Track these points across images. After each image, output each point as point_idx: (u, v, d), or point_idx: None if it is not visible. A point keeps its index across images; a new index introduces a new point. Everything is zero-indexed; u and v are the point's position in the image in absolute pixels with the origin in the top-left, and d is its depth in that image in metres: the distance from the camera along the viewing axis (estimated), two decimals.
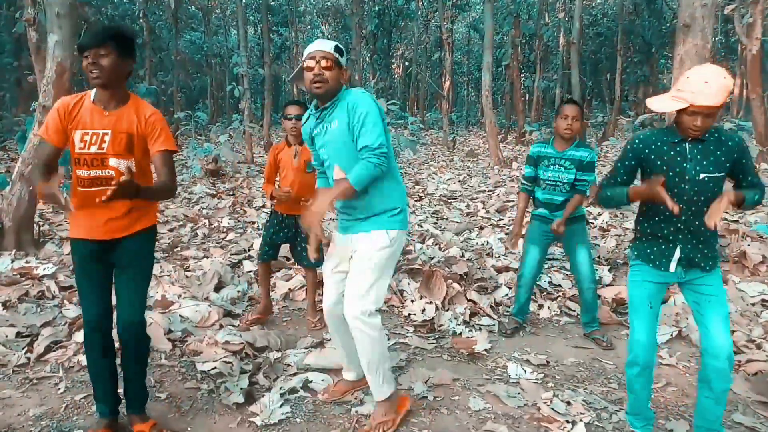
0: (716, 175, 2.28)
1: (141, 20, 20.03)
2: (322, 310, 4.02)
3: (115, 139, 2.35)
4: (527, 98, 27.37)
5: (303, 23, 33.45)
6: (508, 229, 6.70)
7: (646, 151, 2.37)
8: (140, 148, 2.41)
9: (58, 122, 2.35)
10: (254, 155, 14.07)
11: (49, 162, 2.37)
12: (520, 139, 18.35)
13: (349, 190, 2.36)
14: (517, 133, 18.79)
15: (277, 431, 2.68)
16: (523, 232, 4.10)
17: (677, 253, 2.36)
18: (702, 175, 2.28)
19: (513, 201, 8.68)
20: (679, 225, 2.33)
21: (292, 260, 4.44)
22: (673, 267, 2.38)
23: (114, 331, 2.54)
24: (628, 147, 2.44)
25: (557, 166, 3.52)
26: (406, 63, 33.80)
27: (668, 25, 26.66)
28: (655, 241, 2.42)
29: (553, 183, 3.55)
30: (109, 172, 2.37)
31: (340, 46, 2.49)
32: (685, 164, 2.30)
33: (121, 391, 2.65)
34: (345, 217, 2.64)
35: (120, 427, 2.63)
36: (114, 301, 2.53)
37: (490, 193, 9.72)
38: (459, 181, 11.22)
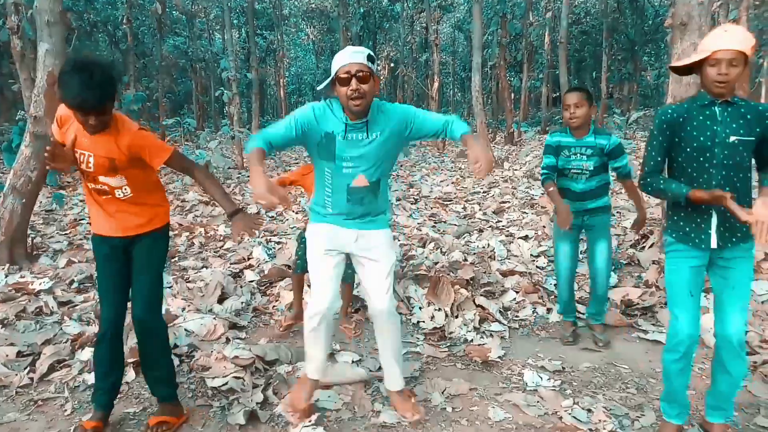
0: (746, 138, 2.26)
1: (125, 26, 19.79)
2: (353, 317, 4.03)
3: (98, 161, 2.46)
4: (513, 98, 27.49)
5: (288, 26, 33.28)
6: (508, 230, 6.67)
7: (680, 119, 2.35)
8: (129, 165, 2.50)
9: (57, 131, 2.51)
10: (244, 160, 13.93)
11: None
12: (509, 139, 18.38)
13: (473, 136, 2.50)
14: (506, 133, 18.82)
15: None
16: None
17: (714, 222, 2.32)
18: (732, 138, 2.26)
19: (509, 202, 8.67)
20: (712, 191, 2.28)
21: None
22: (714, 242, 2.33)
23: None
24: (658, 122, 2.40)
25: (578, 155, 3.46)
26: (392, 64, 33.80)
27: (650, 22, 26.95)
28: (691, 215, 2.38)
29: (578, 172, 3.48)
30: (104, 187, 2.54)
31: (372, 53, 2.41)
32: (715, 126, 2.28)
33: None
34: (349, 214, 2.60)
35: (109, 420, 2.74)
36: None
37: (484, 194, 9.69)
38: (452, 183, 11.20)
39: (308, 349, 2.73)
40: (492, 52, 20.72)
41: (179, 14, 26.97)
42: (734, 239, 2.33)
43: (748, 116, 2.26)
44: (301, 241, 3.82)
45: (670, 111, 2.38)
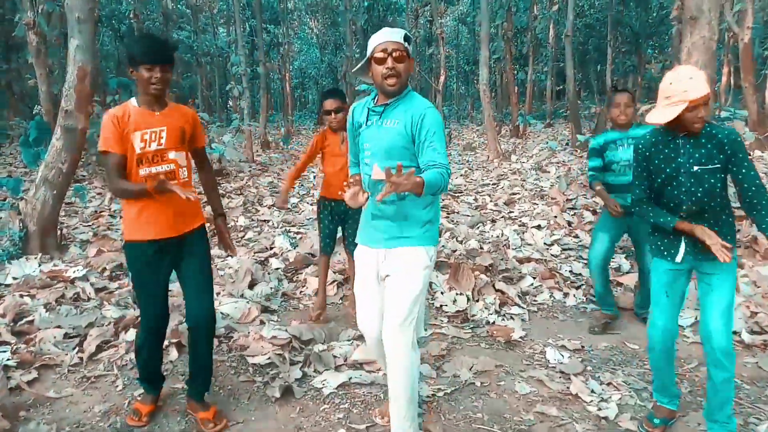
0: (709, 166, 2.40)
1: (131, 20, 19.93)
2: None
3: (171, 133, 2.59)
4: (517, 91, 27.57)
5: (292, 20, 33.34)
6: (520, 221, 6.85)
7: (648, 152, 2.55)
8: (186, 141, 2.69)
9: (117, 131, 2.51)
10: (254, 154, 14.11)
11: (121, 170, 2.54)
12: (515, 132, 18.51)
13: (418, 186, 1.99)
14: (511, 126, 18.95)
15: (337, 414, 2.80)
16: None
17: (683, 245, 2.51)
18: (696, 167, 2.42)
19: (518, 194, 8.84)
20: (681, 216, 2.47)
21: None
22: (679, 258, 2.52)
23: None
24: (637, 152, 2.60)
25: (625, 145, 3.60)
26: None
27: (654, 14, 26.97)
28: (664, 234, 2.57)
29: (627, 164, 3.58)
30: (170, 167, 2.61)
31: (409, 33, 2.33)
32: (679, 158, 2.45)
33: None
34: (376, 229, 2.42)
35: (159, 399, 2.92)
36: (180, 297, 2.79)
37: (494, 186, 9.86)
38: (462, 175, 11.35)
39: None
40: (497, 45, 20.81)
41: (185, 8, 27.06)
42: (707, 258, 2.46)
43: (709, 145, 2.40)
44: (321, 219, 3.98)
45: (643, 142, 2.58)
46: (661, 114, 2.36)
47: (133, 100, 2.59)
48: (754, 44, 14.99)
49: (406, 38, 2.30)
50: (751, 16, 12.31)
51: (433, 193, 2.13)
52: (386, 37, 2.27)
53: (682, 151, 2.45)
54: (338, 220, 3.95)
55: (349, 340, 3.63)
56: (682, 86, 2.30)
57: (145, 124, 2.54)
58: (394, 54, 2.25)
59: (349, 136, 2.61)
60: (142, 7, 22.38)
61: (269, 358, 3.25)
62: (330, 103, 3.77)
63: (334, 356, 3.39)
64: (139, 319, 2.75)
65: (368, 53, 2.31)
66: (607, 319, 3.87)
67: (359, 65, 2.40)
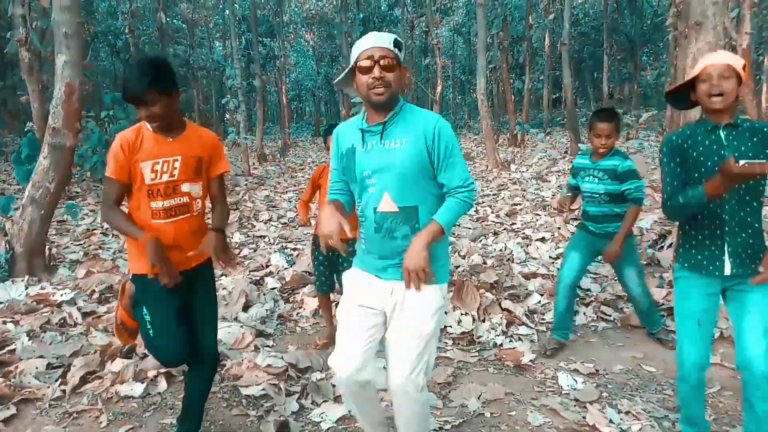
0: (756, 161, 2.17)
1: (126, 35, 19.84)
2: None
3: (185, 163, 2.35)
4: (514, 100, 27.52)
5: (288, 33, 33.34)
6: (523, 233, 6.67)
7: (684, 145, 2.30)
8: (205, 170, 2.45)
9: (123, 159, 2.29)
10: (251, 167, 13.95)
11: (120, 199, 2.36)
12: (513, 141, 18.39)
13: (439, 234, 1.95)
14: (509, 135, 18.84)
15: None
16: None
17: (727, 248, 2.25)
18: (742, 162, 2.16)
19: (520, 204, 8.67)
20: (724, 216, 2.24)
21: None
22: (728, 268, 2.25)
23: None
24: (665, 151, 2.34)
25: (591, 177, 3.47)
26: None
27: (649, 22, 27.01)
28: (703, 243, 2.32)
29: (590, 195, 3.49)
30: (183, 199, 2.38)
31: (399, 39, 2.02)
32: (722, 151, 2.23)
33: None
34: (382, 254, 2.10)
35: None
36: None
37: (494, 197, 9.69)
38: None
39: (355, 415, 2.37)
40: (494, 54, 20.75)
41: (181, 23, 27.03)
42: (748, 265, 2.25)
43: (755, 138, 2.21)
44: (315, 256, 3.73)
45: (674, 138, 2.34)
46: (674, 86, 2.28)
47: (147, 123, 2.33)
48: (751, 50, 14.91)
49: (396, 44, 2.00)
50: (748, 21, 12.24)
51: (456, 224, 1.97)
52: (372, 42, 1.97)
53: (725, 143, 2.22)
54: (334, 257, 3.65)
55: None
56: (702, 60, 2.16)
57: (158, 152, 2.30)
58: (381, 62, 1.95)
59: (335, 161, 2.22)
60: (137, 23, 22.33)
61: (263, 389, 3.04)
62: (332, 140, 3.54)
63: (333, 385, 3.19)
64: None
65: (352, 61, 2.02)
66: (555, 345, 3.62)
67: (342, 75, 2.11)
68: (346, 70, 2.07)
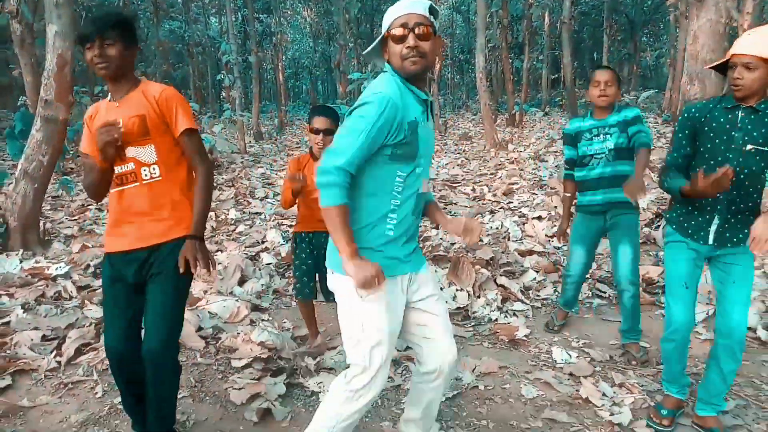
0: (764, 149, 2.21)
1: (122, 9, 19.56)
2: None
3: (128, 124, 2.13)
4: (513, 80, 27.34)
5: (285, 9, 32.90)
6: (519, 211, 6.66)
7: (702, 119, 2.33)
8: (158, 130, 2.18)
9: (88, 132, 2.23)
10: (246, 144, 13.86)
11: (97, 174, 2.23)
12: (511, 121, 18.30)
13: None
14: (508, 115, 18.73)
15: None
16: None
17: (715, 223, 2.33)
18: (749, 146, 2.21)
19: (517, 183, 8.64)
20: (719, 195, 2.26)
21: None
22: (711, 239, 2.35)
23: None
24: (682, 118, 2.39)
25: (601, 136, 3.16)
26: None
27: (649, 2, 26.73)
28: (692, 213, 2.39)
29: (600, 155, 3.17)
30: (130, 166, 2.16)
31: (435, 6, 1.87)
32: (733, 132, 2.24)
33: None
34: (409, 236, 1.94)
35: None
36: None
37: (492, 176, 9.66)
38: (458, 165, 11.16)
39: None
40: (493, 33, 20.54)
41: None
42: (730, 243, 2.34)
43: None
44: (296, 255, 3.24)
45: (694, 109, 2.35)
46: (712, 64, 2.27)
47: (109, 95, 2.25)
48: None
49: (433, 11, 1.85)
50: (750, 1, 12.09)
51: None
52: (406, 8, 1.82)
53: (739, 125, 2.23)
54: (317, 256, 3.16)
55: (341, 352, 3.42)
56: (736, 42, 2.14)
57: (105, 118, 2.17)
58: (416, 30, 1.79)
59: (366, 138, 1.76)
60: None
61: (249, 363, 3.03)
62: (321, 121, 3.00)
63: (328, 368, 3.17)
64: None
65: (384, 29, 1.87)
66: (562, 320, 3.62)
67: (372, 45, 1.95)
68: (377, 39, 1.93)
